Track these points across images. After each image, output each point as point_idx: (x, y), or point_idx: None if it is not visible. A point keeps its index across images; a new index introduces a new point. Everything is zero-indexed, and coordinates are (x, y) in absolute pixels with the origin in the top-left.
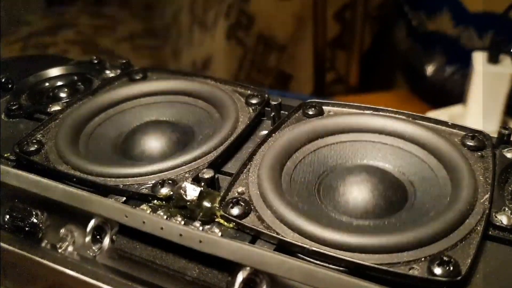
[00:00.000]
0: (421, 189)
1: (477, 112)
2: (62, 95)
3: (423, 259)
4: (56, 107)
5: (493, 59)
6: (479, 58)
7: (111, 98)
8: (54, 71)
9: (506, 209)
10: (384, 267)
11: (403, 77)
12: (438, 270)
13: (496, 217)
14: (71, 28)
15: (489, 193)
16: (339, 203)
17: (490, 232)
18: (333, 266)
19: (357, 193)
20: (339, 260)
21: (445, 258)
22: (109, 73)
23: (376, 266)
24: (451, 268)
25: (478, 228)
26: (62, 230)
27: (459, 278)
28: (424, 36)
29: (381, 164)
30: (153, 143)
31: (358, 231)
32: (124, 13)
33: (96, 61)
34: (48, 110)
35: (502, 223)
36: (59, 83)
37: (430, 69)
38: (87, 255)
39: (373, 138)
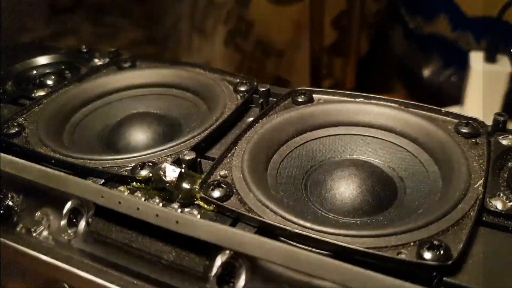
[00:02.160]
0: (411, 185)
1: (474, 111)
2: (49, 82)
3: (412, 243)
4: (41, 93)
5: (491, 58)
6: (476, 58)
7: (99, 89)
8: (42, 59)
9: (501, 194)
10: (371, 251)
11: (400, 81)
12: (427, 255)
13: (490, 202)
14: (73, 35)
15: (483, 178)
16: (326, 200)
17: (484, 218)
18: (317, 251)
19: (345, 190)
20: (324, 243)
21: (435, 242)
22: (98, 62)
23: (362, 249)
24: (442, 252)
25: (471, 213)
26: (38, 213)
27: (449, 262)
28: (421, 39)
29: (371, 159)
30: (139, 135)
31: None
32: (125, 21)
33: (85, 50)
34: (33, 95)
35: (496, 208)
36: (47, 71)
37: (427, 73)
38: (62, 239)
39: (364, 132)
